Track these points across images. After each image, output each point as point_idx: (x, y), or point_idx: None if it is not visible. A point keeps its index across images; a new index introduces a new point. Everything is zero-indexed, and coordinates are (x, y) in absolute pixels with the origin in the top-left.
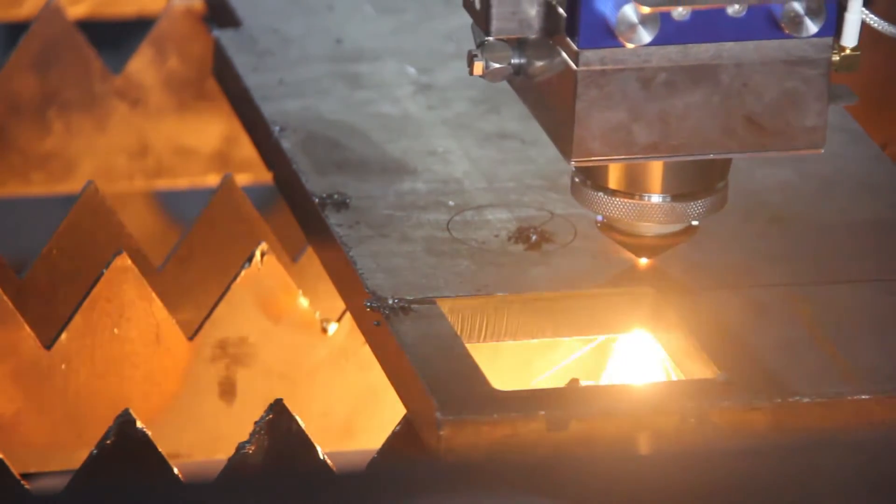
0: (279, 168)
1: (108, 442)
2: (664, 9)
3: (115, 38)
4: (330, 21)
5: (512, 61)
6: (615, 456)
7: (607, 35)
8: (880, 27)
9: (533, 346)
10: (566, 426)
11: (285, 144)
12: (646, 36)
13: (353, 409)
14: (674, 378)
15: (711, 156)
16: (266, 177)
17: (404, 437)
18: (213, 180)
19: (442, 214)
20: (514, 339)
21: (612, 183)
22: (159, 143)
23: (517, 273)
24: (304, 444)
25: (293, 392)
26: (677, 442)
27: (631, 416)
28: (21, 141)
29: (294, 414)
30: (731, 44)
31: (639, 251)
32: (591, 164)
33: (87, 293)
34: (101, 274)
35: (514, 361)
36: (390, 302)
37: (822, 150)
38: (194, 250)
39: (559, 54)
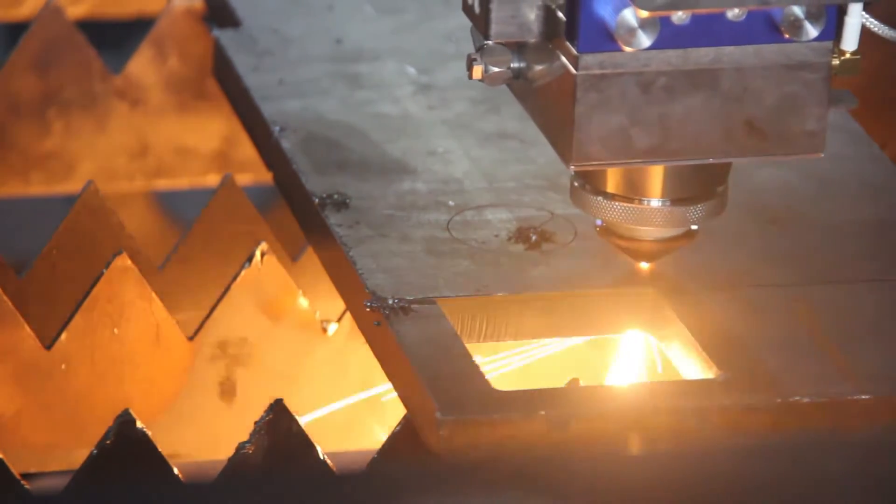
0: (279, 168)
1: (108, 442)
2: (664, 13)
3: (115, 38)
4: (330, 21)
5: (511, 65)
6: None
7: (607, 39)
8: (880, 31)
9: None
10: (566, 426)
11: (285, 144)
12: (645, 40)
13: (353, 409)
14: (673, 378)
15: (711, 160)
16: (266, 177)
17: (404, 437)
18: (213, 180)
19: (442, 214)
20: (514, 339)
21: (611, 187)
22: (159, 143)
23: (517, 273)
24: (304, 444)
25: (293, 392)
26: (677, 442)
27: (631, 416)
28: (21, 141)
29: (294, 414)
30: (730, 48)
31: (638, 255)
32: (590, 168)
33: (87, 293)
34: (101, 274)
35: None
36: (390, 302)
37: (823, 155)
38: (194, 250)
39: (558, 58)
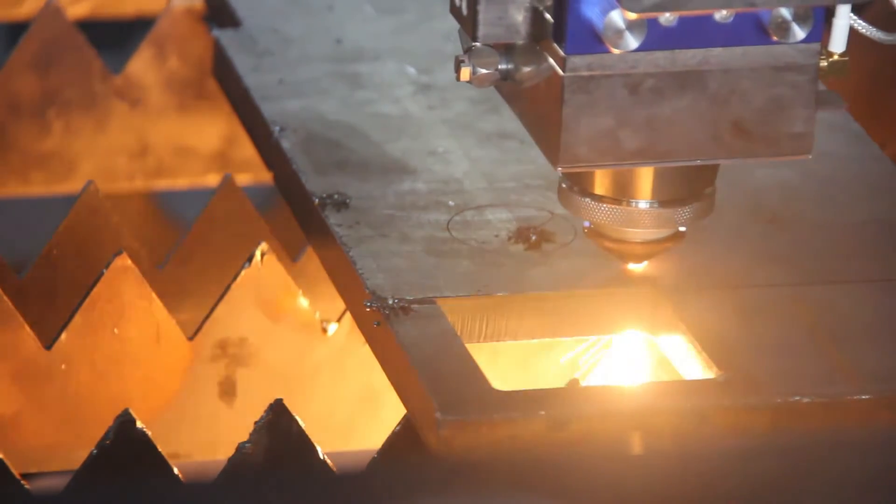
0: (279, 168)
1: (108, 442)
2: (651, 15)
3: (115, 38)
4: (330, 21)
5: (499, 67)
6: (615, 456)
7: (594, 41)
8: (868, 32)
9: (533, 346)
10: (566, 426)
11: (285, 144)
12: (633, 42)
13: (353, 409)
14: (673, 378)
15: (699, 162)
16: (266, 177)
17: (404, 437)
18: (213, 180)
19: (442, 214)
20: (514, 339)
21: (599, 188)
22: (159, 143)
23: (517, 273)
24: (304, 444)
25: (293, 392)
26: (677, 442)
27: (631, 416)
28: (21, 141)
29: (294, 414)
30: (718, 50)
31: (625, 257)
32: (578, 170)
33: (87, 293)
34: (101, 274)
35: (514, 361)
36: (390, 302)
37: (810, 156)
38: (194, 250)
39: (546, 60)
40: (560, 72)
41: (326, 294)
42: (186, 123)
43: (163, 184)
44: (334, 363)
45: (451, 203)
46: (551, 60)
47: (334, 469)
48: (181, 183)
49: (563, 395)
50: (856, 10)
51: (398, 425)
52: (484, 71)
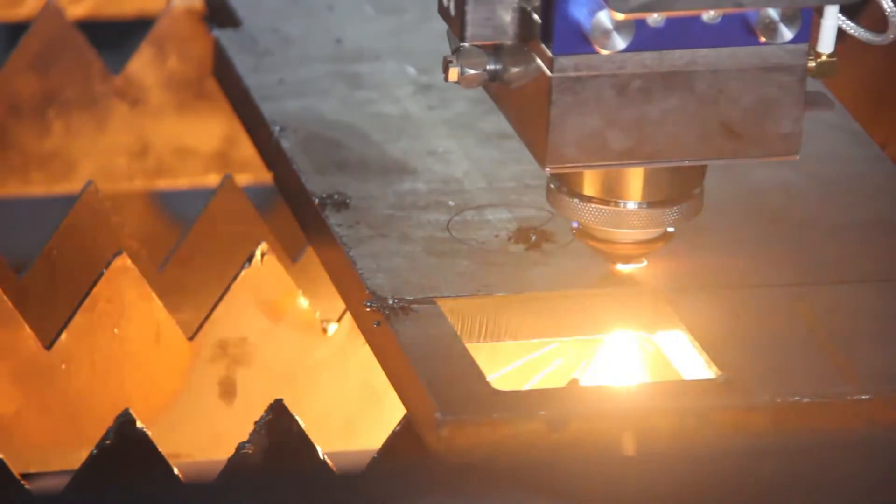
0: (279, 168)
1: (108, 442)
2: (638, 15)
3: (115, 38)
4: (330, 21)
5: (487, 67)
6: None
7: (582, 41)
8: (856, 33)
9: (533, 345)
10: (566, 426)
11: (285, 144)
12: (620, 42)
13: (353, 409)
14: (673, 378)
15: (687, 162)
16: (266, 177)
17: (404, 437)
18: (213, 180)
19: (442, 214)
20: (514, 339)
21: (586, 189)
22: (159, 143)
23: (517, 273)
24: (304, 444)
25: (293, 392)
26: (677, 442)
27: (630, 417)
28: (21, 141)
29: (294, 414)
30: (706, 50)
31: (614, 257)
32: (565, 170)
33: (87, 293)
34: (101, 274)
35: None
36: (390, 302)
37: (798, 157)
38: (194, 250)
39: (534, 60)
40: (548, 72)
41: (326, 294)
42: (186, 123)
43: (163, 184)
44: (334, 363)
45: (451, 203)
46: (539, 61)
47: (334, 469)
48: (181, 183)
49: (563, 395)
50: (846, 10)
51: (398, 425)
52: (472, 71)
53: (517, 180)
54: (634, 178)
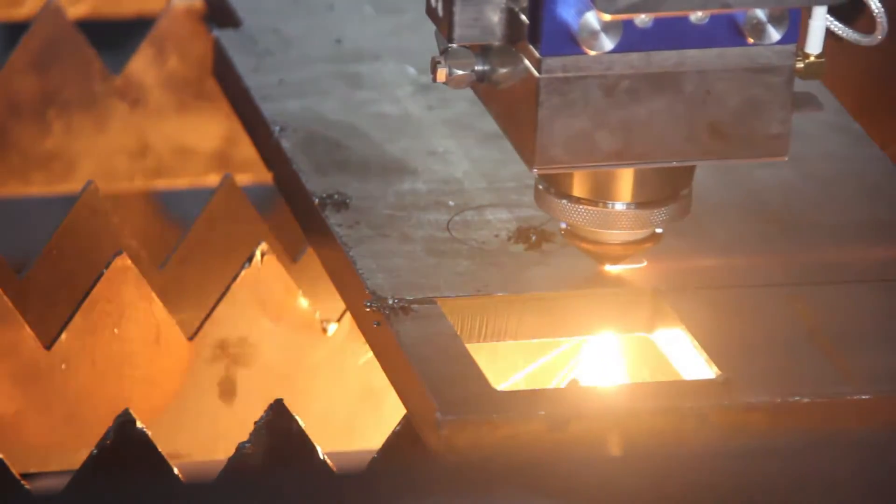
0: (279, 168)
1: (108, 442)
2: (626, 16)
3: (115, 38)
4: (330, 21)
5: (475, 68)
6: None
7: (570, 42)
8: (844, 34)
9: (533, 345)
10: (566, 426)
11: (285, 144)
12: (608, 43)
13: (353, 409)
14: (673, 378)
15: (675, 163)
16: (266, 177)
17: (404, 437)
18: (213, 180)
19: (442, 214)
20: (514, 339)
21: (575, 190)
22: (159, 143)
23: (517, 273)
24: (304, 444)
25: (293, 392)
26: (677, 442)
27: (630, 417)
28: (21, 141)
29: (294, 414)
30: (693, 51)
31: (602, 258)
32: (553, 171)
33: (87, 293)
34: (101, 274)
35: (514, 361)
36: (390, 302)
37: (786, 158)
38: (194, 250)
39: (522, 61)
40: (535, 73)
41: (326, 294)
42: (186, 123)
43: (163, 184)
44: (334, 363)
45: (451, 203)
46: (527, 62)
47: (334, 469)
48: (181, 183)
49: (563, 395)
50: (835, 11)
51: (398, 425)
52: (460, 72)
53: (517, 180)
54: (622, 179)
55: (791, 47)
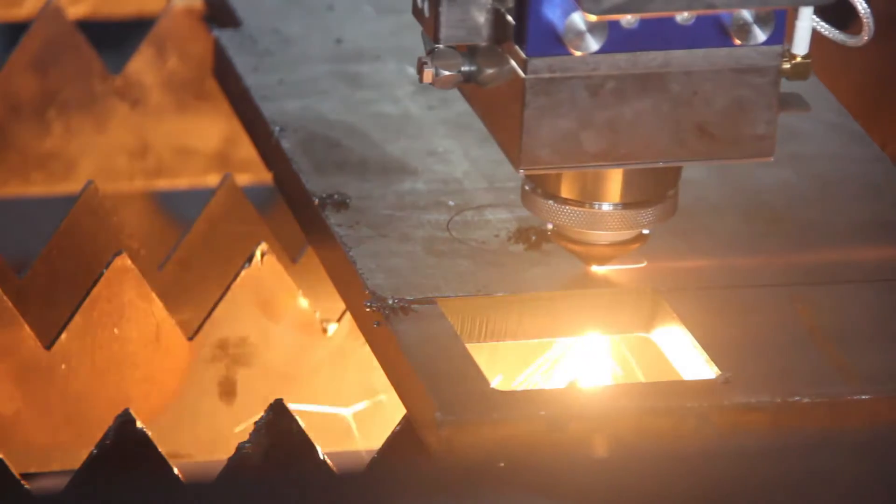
0: (279, 168)
1: (108, 442)
2: (611, 17)
3: (115, 38)
4: (330, 21)
5: (462, 69)
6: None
7: (555, 43)
8: (830, 34)
9: (533, 345)
10: (566, 426)
11: (285, 144)
12: (594, 44)
13: (353, 409)
14: (673, 378)
15: (661, 164)
16: (266, 177)
17: (404, 437)
18: (213, 180)
19: (442, 214)
20: (514, 339)
21: (561, 191)
22: (159, 143)
23: (517, 273)
24: (304, 444)
25: (293, 392)
26: (677, 442)
27: (631, 417)
28: (21, 141)
29: (294, 414)
30: (679, 52)
31: (589, 259)
32: (539, 172)
33: (87, 293)
34: (101, 274)
35: (514, 361)
36: (390, 302)
37: (773, 159)
38: (194, 250)
39: (508, 62)
40: (521, 74)
41: (326, 294)
42: (186, 123)
43: (163, 184)
44: (334, 363)
45: (451, 203)
46: (513, 62)
47: (334, 469)
48: (181, 183)
49: (563, 395)
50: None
51: (398, 425)
52: (446, 73)
53: (517, 180)
54: (608, 180)
55: (777, 48)
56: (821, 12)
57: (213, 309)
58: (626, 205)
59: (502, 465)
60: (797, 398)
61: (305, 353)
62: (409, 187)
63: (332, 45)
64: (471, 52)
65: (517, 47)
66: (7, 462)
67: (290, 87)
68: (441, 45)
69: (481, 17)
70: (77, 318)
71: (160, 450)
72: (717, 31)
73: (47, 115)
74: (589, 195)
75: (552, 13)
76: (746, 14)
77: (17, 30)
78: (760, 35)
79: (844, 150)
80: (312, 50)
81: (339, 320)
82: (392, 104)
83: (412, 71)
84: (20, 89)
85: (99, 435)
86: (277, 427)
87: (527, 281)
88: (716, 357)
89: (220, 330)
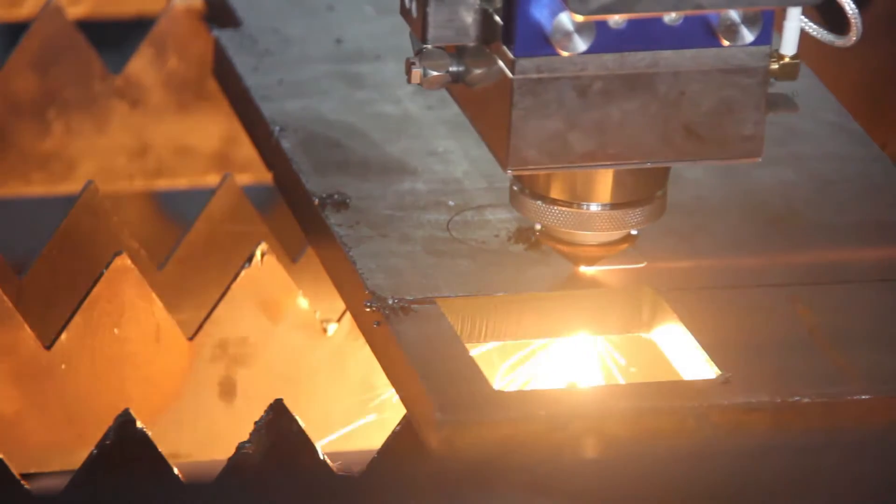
0: (279, 168)
1: (108, 442)
2: (599, 17)
3: (115, 38)
4: (330, 21)
5: (450, 69)
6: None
7: (543, 43)
8: (818, 35)
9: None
10: (566, 426)
11: (285, 144)
12: (581, 44)
13: (353, 409)
14: (673, 378)
15: (649, 164)
16: (266, 177)
17: (404, 437)
18: (213, 180)
19: (442, 214)
20: (514, 339)
21: (548, 191)
22: (159, 143)
23: (517, 273)
24: (304, 444)
25: (293, 392)
26: (677, 442)
27: (630, 416)
28: (21, 141)
29: (294, 414)
30: (667, 52)
31: (577, 259)
32: (527, 172)
33: (87, 293)
34: (101, 274)
35: (514, 361)
36: (390, 302)
37: (760, 159)
38: (194, 250)
39: (496, 62)
40: (509, 74)
41: (326, 294)
42: (186, 123)
43: (163, 184)
44: (334, 363)
45: (451, 203)
46: (501, 63)
47: (334, 469)
48: (181, 183)
49: (563, 395)
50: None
51: (398, 425)
52: (434, 73)
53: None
54: (597, 181)
55: (765, 48)
56: (819, 12)
57: (213, 309)
58: (613, 205)
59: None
60: (797, 398)
61: (305, 353)
62: (409, 187)
63: (332, 45)
64: (459, 53)
65: (505, 48)
66: (7, 462)
67: (290, 87)
68: (429, 46)
69: (469, 18)
70: (77, 318)
71: (160, 450)
72: (704, 32)
73: (47, 115)
74: (577, 196)
75: (540, 13)
76: (734, 14)
77: (17, 30)
78: (748, 35)
79: (844, 150)
80: (312, 50)
81: (339, 320)
82: (392, 104)
83: None
84: (20, 89)
85: (99, 435)
86: (277, 427)
87: (527, 281)
88: (716, 357)
89: (220, 330)
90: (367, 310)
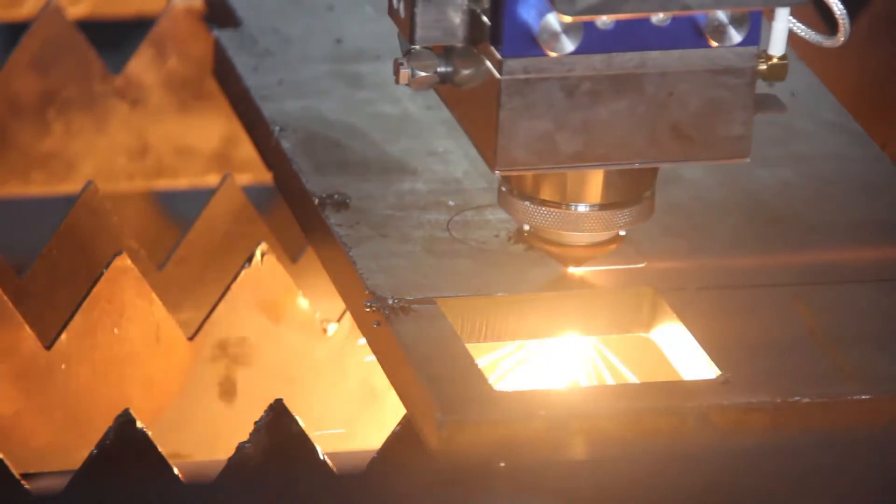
0: (279, 168)
1: (108, 442)
2: (586, 18)
3: (115, 38)
4: (330, 21)
5: (438, 69)
6: (615, 456)
7: (531, 44)
8: (807, 35)
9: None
10: (566, 426)
11: (285, 144)
12: (569, 45)
13: (353, 409)
14: (673, 378)
15: (637, 165)
16: (266, 177)
17: (404, 437)
18: (213, 180)
19: (442, 214)
20: (514, 339)
21: (536, 192)
22: (159, 143)
23: (517, 273)
24: (304, 444)
25: (293, 392)
26: (677, 442)
27: (630, 417)
28: (21, 141)
29: (294, 414)
30: (655, 53)
31: (565, 260)
32: (515, 173)
33: (87, 293)
34: (101, 274)
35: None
36: (390, 302)
37: (748, 160)
38: (194, 250)
39: (483, 63)
40: (497, 75)
41: (326, 294)
42: (186, 123)
43: (163, 184)
44: (334, 363)
45: (451, 203)
46: (488, 63)
47: (334, 469)
48: (181, 183)
49: (563, 395)
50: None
51: (398, 425)
52: (422, 74)
53: None
54: (585, 181)
55: (752, 49)
56: (817, 13)
57: (213, 309)
58: (602, 206)
59: (502, 465)
60: (797, 398)
61: (305, 353)
62: (409, 187)
63: (332, 45)
64: (446, 53)
65: (493, 48)
66: (7, 462)
67: (290, 87)
68: (417, 47)
69: (457, 18)
70: (77, 318)
71: (160, 450)
72: (692, 33)
73: (47, 115)
74: (565, 196)
75: (527, 14)
76: (722, 15)
77: (17, 30)
78: (736, 36)
79: (844, 150)
80: (312, 50)
81: (339, 320)
82: (392, 104)
83: None
84: (20, 89)
85: (99, 435)
86: (277, 427)
87: (527, 281)
88: (716, 357)
89: (220, 330)
90: (367, 310)
